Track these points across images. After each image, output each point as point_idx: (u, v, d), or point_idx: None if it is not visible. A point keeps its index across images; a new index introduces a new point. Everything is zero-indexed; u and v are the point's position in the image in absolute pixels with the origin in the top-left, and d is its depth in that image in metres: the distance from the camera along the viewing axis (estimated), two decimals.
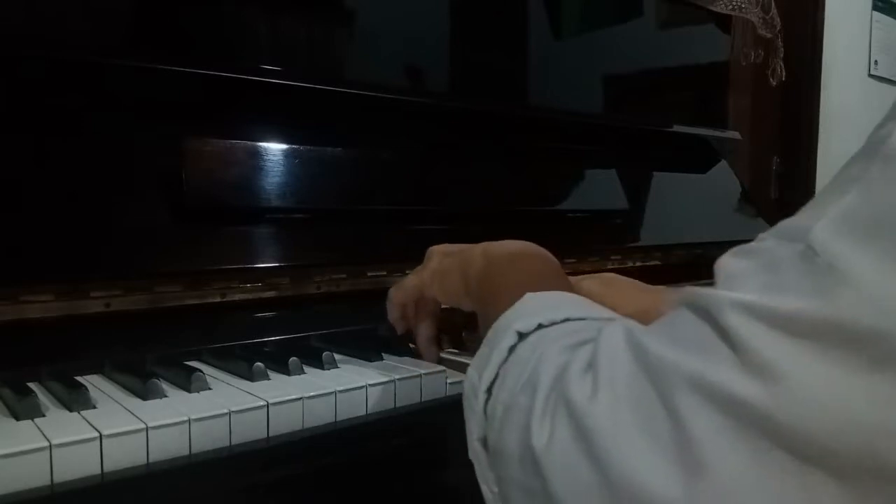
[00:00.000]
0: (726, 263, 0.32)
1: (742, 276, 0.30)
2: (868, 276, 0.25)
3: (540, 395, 0.34)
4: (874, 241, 0.26)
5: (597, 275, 0.70)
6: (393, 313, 0.66)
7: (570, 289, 0.50)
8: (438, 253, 0.63)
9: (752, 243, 0.32)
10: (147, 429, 0.45)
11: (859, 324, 0.25)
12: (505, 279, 0.52)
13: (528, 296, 0.44)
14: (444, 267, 0.61)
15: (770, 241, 0.31)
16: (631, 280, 0.69)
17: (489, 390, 0.39)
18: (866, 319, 0.25)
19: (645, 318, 0.62)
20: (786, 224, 0.31)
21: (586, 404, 0.31)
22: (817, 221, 0.28)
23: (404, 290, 0.65)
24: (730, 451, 0.27)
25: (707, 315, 0.29)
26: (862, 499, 0.25)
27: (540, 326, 0.40)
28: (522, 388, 0.36)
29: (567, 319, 0.40)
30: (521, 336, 0.40)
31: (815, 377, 0.26)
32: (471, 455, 0.41)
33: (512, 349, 0.40)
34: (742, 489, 0.26)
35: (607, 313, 0.43)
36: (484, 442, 0.39)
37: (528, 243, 0.58)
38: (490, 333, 0.43)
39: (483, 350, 0.42)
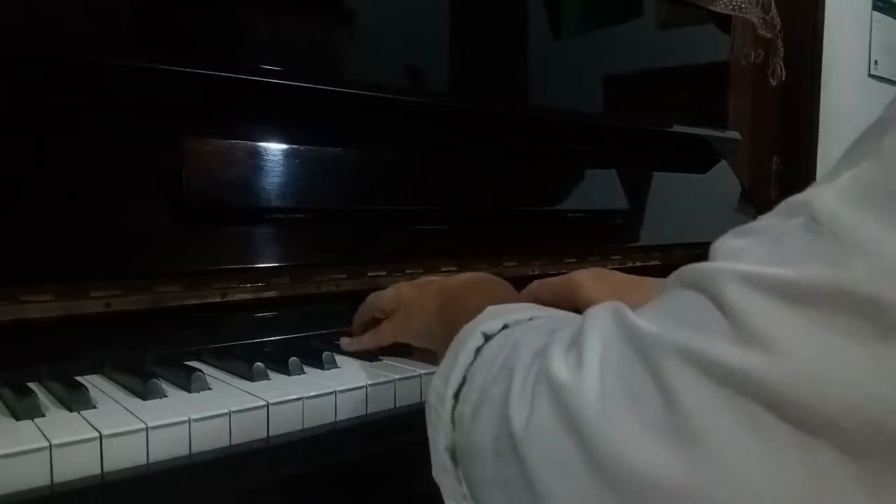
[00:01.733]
0: (724, 243, 0.30)
1: (742, 252, 0.28)
2: (879, 244, 0.24)
3: (517, 377, 0.32)
4: (888, 209, 0.25)
5: (589, 269, 0.70)
6: (354, 346, 0.67)
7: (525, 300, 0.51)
8: (405, 300, 0.63)
9: (752, 223, 0.30)
10: (147, 429, 0.45)
11: (866, 291, 0.24)
12: (463, 305, 0.51)
13: (489, 308, 0.42)
14: (410, 312, 0.61)
15: (771, 219, 0.29)
16: (623, 275, 0.70)
17: (456, 396, 0.37)
18: (873, 287, 0.24)
19: None
20: (787, 201, 0.29)
21: (569, 380, 0.30)
22: (822, 194, 0.27)
23: (382, 337, 0.65)
24: (728, 424, 0.25)
25: (701, 287, 0.28)
26: (874, 475, 0.24)
27: (505, 327, 0.39)
28: (495, 379, 0.34)
29: (533, 318, 0.39)
30: (487, 337, 0.38)
31: (818, 347, 0.24)
32: (435, 473, 0.39)
33: (478, 350, 0.38)
34: (742, 463, 0.25)
35: (572, 315, 0.41)
36: (453, 453, 0.37)
37: (480, 273, 0.59)
38: (453, 342, 0.40)
39: (447, 357, 0.40)
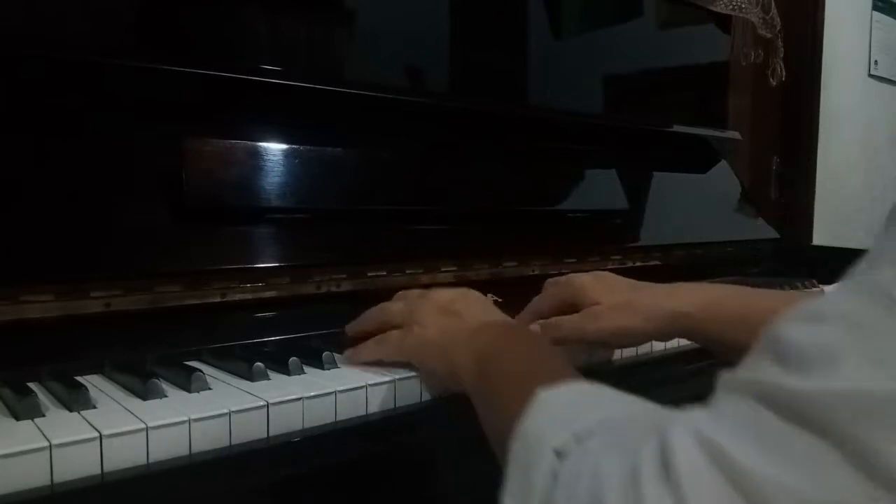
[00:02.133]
0: (792, 335, 0.27)
1: (832, 356, 0.25)
2: None
3: None
4: None
5: (588, 272, 0.72)
6: (351, 357, 0.64)
7: (564, 358, 0.49)
8: (414, 316, 0.61)
9: (818, 304, 0.27)
10: (147, 429, 0.45)
11: None
12: (501, 369, 0.49)
13: (543, 396, 0.39)
14: (426, 340, 0.59)
15: (842, 301, 0.27)
16: (620, 277, 0.71)
17: None
18: None
19: (629, 311, 0.64)
20: (856, 280, 0.27)
21: None
22: None
23: (387, 353, 0.62)
24: None
25: (810, 423, 0.25)
26: None
27: (578, 440, 0.35)
28: None
29: (602, 421, 0.36)
30: (559, 454, 0.35)
31: None
32: None
33: (554, 473, 0.35)
34: None
35: (637, 401, 0.38)
36: None
37: (508, 322, 0.58)
38: (518, 449, 0.38)
39: (516, 474, 0.37)
